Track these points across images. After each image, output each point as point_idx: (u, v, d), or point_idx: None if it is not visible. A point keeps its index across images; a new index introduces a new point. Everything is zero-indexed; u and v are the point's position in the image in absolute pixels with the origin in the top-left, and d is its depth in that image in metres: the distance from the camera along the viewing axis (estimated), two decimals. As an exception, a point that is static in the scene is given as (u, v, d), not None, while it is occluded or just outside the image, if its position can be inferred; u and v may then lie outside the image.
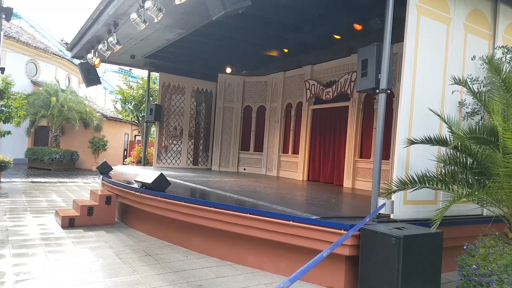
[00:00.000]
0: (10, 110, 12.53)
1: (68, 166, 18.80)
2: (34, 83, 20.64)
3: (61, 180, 13.96)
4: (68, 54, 16.20)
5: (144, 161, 12.06)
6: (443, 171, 4.13)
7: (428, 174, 3.93)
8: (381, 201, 4.17)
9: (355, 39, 7.77)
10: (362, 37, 7.31)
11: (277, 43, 9.00)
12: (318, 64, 9.99)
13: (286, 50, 9.39)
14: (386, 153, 7.28)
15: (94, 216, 6.59)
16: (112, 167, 8.82)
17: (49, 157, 17.48)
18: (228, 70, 11.42)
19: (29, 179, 13.47)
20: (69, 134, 19.78)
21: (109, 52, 8.11)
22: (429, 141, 4.04)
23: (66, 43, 28.07)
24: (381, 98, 4.33)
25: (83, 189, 11.65)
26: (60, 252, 4.95)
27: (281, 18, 7.41)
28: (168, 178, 5.92)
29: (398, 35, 4.41)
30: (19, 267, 4.27)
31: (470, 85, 4.37)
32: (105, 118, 20.75)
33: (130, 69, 25.04)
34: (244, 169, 11.82)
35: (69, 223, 6.38)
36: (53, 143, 18.80)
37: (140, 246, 5.48)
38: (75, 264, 4.51)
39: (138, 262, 4.70)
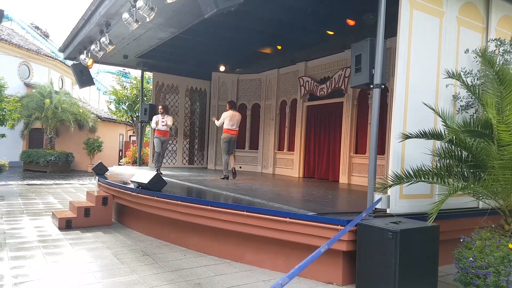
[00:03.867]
0: (3, 113, 12.41)
1: (64, 168, 18.69)
2: (27, 85, 20.47)
3: (57, 182, 13.90)
4: (61, 56, 16.11)
5: (139, 161, 12.02)
6: (439, 165, 4.15)
7: (423, 168, 3.94)
8: (377, 196, 4.19)
9: (348, 35, 7.77)
10: (355, 32, 7.32)
11: (270, 40, 8.98)
12: (312, 61, 9.99)
13: (279, 47, 9.36)
14: (382, 148, 7.31)
15: (91, 217, 6.56)
16: (108, 168, 8.79)
17: (44, 159, 17.38)
18: (222, 68, 11.38)
19: (25, 182, 13.38)
20: (63, 136, 19.67)
21: (101, 53, 8.06)
22: (424, 135, 4.05)
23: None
24: (376, 93, 4.33)
25: (79, 190, 11.59)
26: (58, 254, 4.93)
27: (273, 15, 7.39)
28: (164, 178, 5.91)
29: (391, 30, 4.42)
30: (18, 269, 4.25)
31: (464, 79, 4.38)
32: (99, 119, 20.64)
33: (124, 69, 24.89)
34: (240, 167, 11.82)
35: (66, 225, 6.35)
36: (48, 145, 18.68)
37: (137, 246, 5.47)
38: (73, 266, 4.49)
39: (136, 262, 4.69)
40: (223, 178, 8.21)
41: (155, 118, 8.91)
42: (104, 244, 5.47)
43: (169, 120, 8.88)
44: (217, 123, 8.50)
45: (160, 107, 9.07)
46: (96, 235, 5.99)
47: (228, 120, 8.23)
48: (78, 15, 7.99)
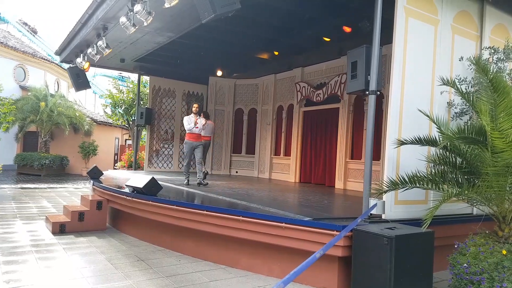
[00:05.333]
0: (-2, 116, 12.37)
1: (58, 172, 18.58)
2: (23, 88, 20.37)
3: (51, 185, 13.80)
4: (57, 59, 16.07)
5: (135, 166, 11.98)
6: (433, 171, 4.17)
7: (418, 174, 3.96)
8: (372, 201, 4.20)
9: (344, 41, 7.82)
10: (351, 39, 7.37)
11: (267, 46, 9.03)
12: (308, 67, 10.04)
13: (276, 53, 9.41)
14: (377, 153, 7.34)
15: (85, 222, 6.52)
16: (103, 172, 8.74)
17: (38, 163, 17.26)
18: (219, 73, 11.40)
19: (19, 185, 13.28)
20: (58, 139, 19.56)
21: (98, 56, 8.06)
22: (419, 141, 4.08)
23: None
24: (371, 100, 4.36)
25: (74, 194, 11.52)
26: (51, 259, 4.89)
27: (271, 21, 7.44)
28: (159, 182, 5.89)
29: (387, 37, 4.46)
30: (9, 274, 4.21)
31: (458, 86, 4.42)
32: (95, 123, 20.56)
33: (121, 73, 24.80)
34: (236, 172, 11.81)
35: (60, 229, 6.30)
36: (43, 148, 18.56)
37: (132, 251, 5.43)
38: (67, 271, 4.46)
39: (130, 267, 4.66)
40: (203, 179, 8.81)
41: (187, 118, 7.63)
42: (98, 249, 5.43)
43: (203, 121, 7.77)
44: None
45: (195, 105, 7.85)
46: (90, 240, 5.95)
47: None
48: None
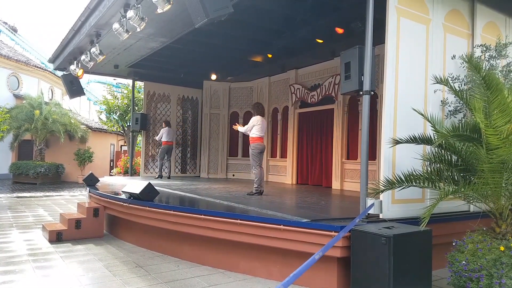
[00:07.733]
0: (-8, 125, 12.29)
1: (54, 180, 18.45)
2: (17, 96, 20.26)
3: (47, 194, 13.70)
4: (51, 66, 16.00)
5: (131, 171, 11.93)
6: (429, 169, 4.18)
7: (414, 173, 3.97)
8: (369, 201, 4.21)
9: (337, 43, 7.85)
10: (344, 40, 7.40)
11: (261, 49, 9.04)
12: (302, 68, 10.07)
13: (270, 55, 9.43)
14: (373, 153, 7.36)
15: (82, 229, 6.47)
16: (99, 179, 8.69)
17: (34, 171, 17.14)
18: (213, 76, 11.41)
19: (14, 194, 13.18)
20: (54, 147, 19.45)
21: (92, 63, 8.04)
22: (414, 140, 4.09)
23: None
24: (365, 100, 4.38)
25: (70, 202, 11.44)
26: (49, 268, 4.85)
27: (264, 24, 7.45)
28: (156, 188, 5.87)
29: (379, 37, 4.48)
30: (7, 284, 4.16)
31: (452, 84, 4.45)
32: (90, 130, 20.47)
33: (115, 79, 24.70)
34: (233, 175, 11.79)
35: (57, 237, 6.25)
36: (38, 156, 18.45)
37: (130, 257, 5.40)
38: (64, 279, 4.42)
39: (128, 274, 4.63)
40: (157, 178, 10.47)
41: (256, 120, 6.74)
42: (96, 256, 5.39)
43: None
44: (157, 137, 10.96)
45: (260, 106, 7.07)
46: (87, 247, 5.91)
47: (166, 134, 10.64)
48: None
